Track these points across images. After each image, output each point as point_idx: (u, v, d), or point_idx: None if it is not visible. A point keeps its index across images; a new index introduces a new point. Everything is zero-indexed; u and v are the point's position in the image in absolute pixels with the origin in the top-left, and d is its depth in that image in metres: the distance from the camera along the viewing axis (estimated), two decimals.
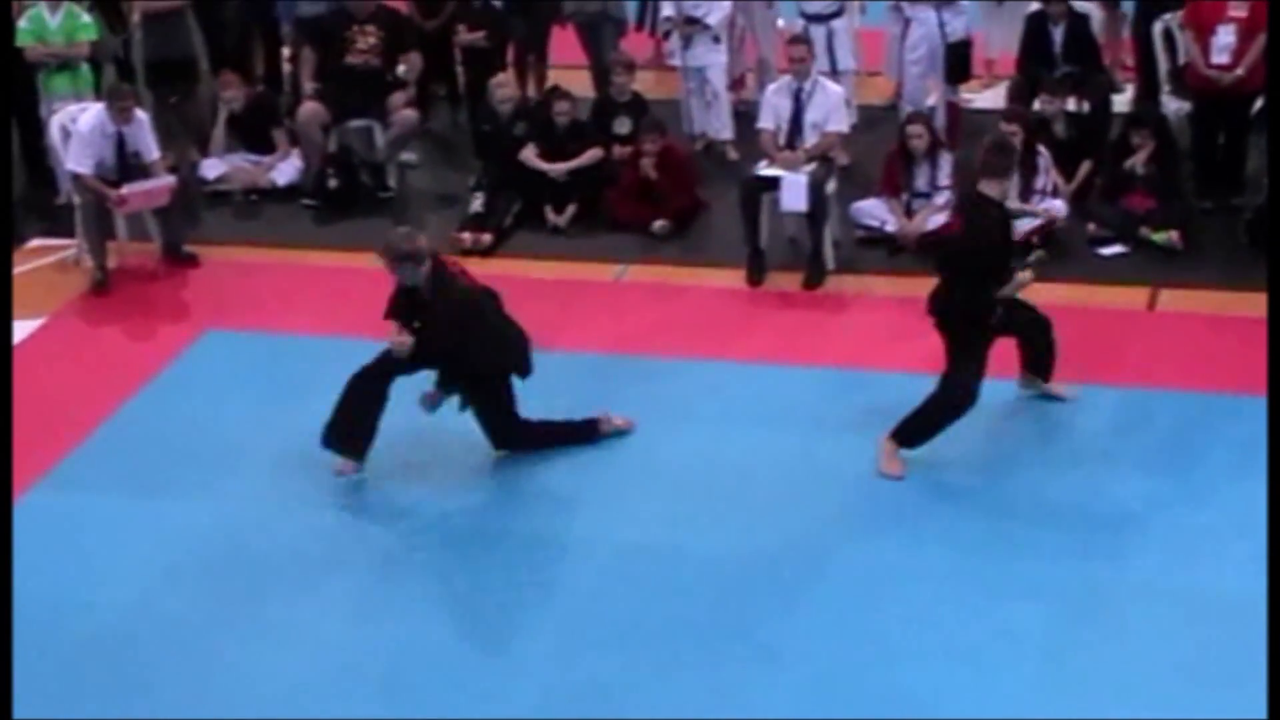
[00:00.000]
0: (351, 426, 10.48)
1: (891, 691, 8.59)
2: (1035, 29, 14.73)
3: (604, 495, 10.43)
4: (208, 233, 14.25)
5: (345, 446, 10.52)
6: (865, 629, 9.07)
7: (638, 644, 9.03)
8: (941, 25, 14.89)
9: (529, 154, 14.31)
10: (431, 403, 10.42)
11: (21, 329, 12.61)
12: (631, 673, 8.81)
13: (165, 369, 12.12)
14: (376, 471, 10.61)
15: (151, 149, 13.62)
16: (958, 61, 14.98)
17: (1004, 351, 10.90)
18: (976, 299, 10.16)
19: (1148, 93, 14.94)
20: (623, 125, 14.64)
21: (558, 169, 14.23)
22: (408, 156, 15.35)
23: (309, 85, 15.24)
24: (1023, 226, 13.10)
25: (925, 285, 12.48)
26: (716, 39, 15.13)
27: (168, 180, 13.67)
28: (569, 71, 15.80)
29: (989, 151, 10.31)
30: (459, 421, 10.57)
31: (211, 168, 15.02)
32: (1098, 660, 8.73)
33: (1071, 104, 14.49)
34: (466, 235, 13.80)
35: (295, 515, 10.24)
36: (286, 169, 15.04)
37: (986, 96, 15.91)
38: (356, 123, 15.02)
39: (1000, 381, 10.99)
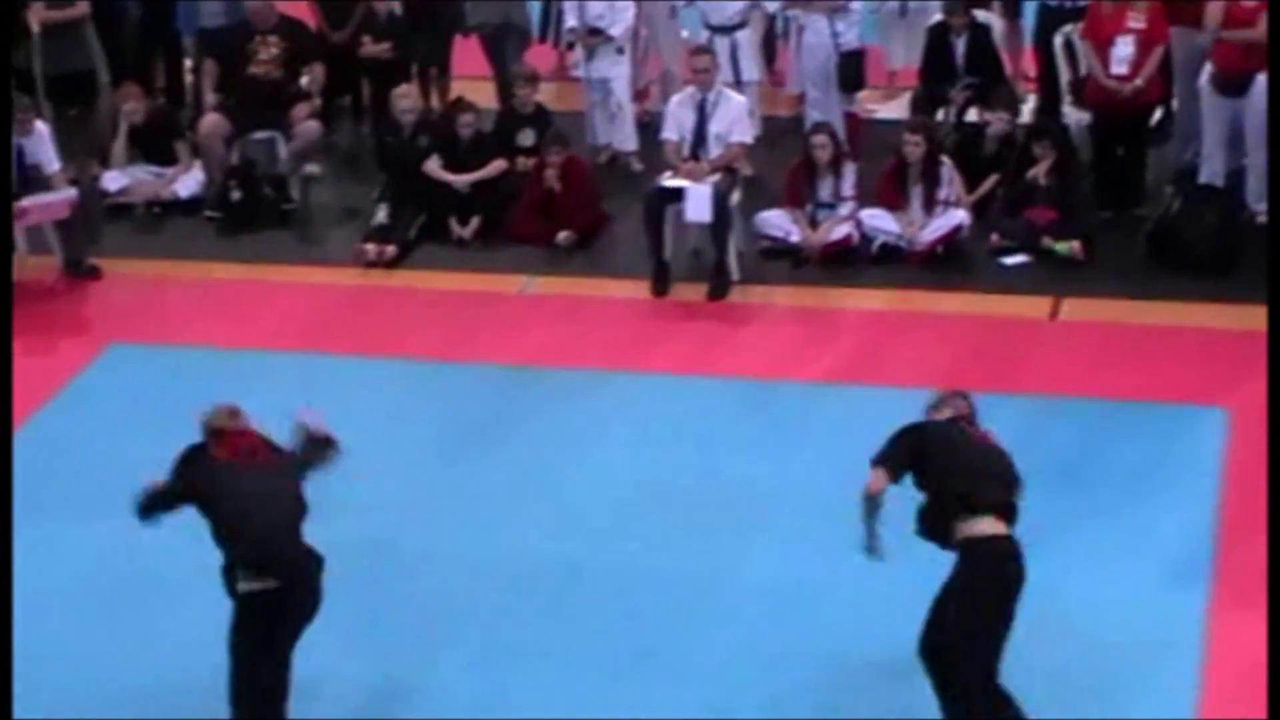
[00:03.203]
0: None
1: (797, 710, 8.61)
2: (937, 40, 14.79)
3: (508, 510, 10.41)
4: (109, 246, 14.11)
5: None
6: (771, 646, 9.09)
7: (543, 662, 9.03)
8: (834, 35, 14.88)
9: (433, 166, 14.26)
10: None
11: None
12: (537, 691, 8.83)
13: (68, 384, 12.02)
14: None
15: (52, 161, 13.51)
16: (851, 71, 14.99)
17: (911, 353, 10.96)
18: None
19: (1049, 104, 15.04)
20: (526, 137, 14.60)
21: (461, 181, 14.19)
22: (311, 169, 15.26)
23: (211, 97, 15.14)
24: (925, 237, 13.23)
25: (829, 296, 12.57)
26: (620, 50, 15.11)
27: (68, 193, 13.54)
28: (473, 83, 15.76)
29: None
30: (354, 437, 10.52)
31: (113, 180, 14.87)
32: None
33: (973, 115, 14.60)
34: (370, 248, 13.76)
35: (199, 536, 10.09)
36: (188, 182, 14.92)
37: (890, 107, 15.96)
38: (259, 135, 14.92)
39: (906, 390, 11.06)
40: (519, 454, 10.93)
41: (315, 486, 10.47)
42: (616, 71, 15.11)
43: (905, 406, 11.01)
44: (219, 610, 9.39)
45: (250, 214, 14.52)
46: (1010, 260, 13.34)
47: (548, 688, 8.84)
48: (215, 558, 9.61)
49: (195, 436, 10.96)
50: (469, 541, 10.11)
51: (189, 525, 10.15)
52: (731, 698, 8.70)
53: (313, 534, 10.05)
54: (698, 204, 13.10)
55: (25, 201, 13.28)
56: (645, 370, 11.96)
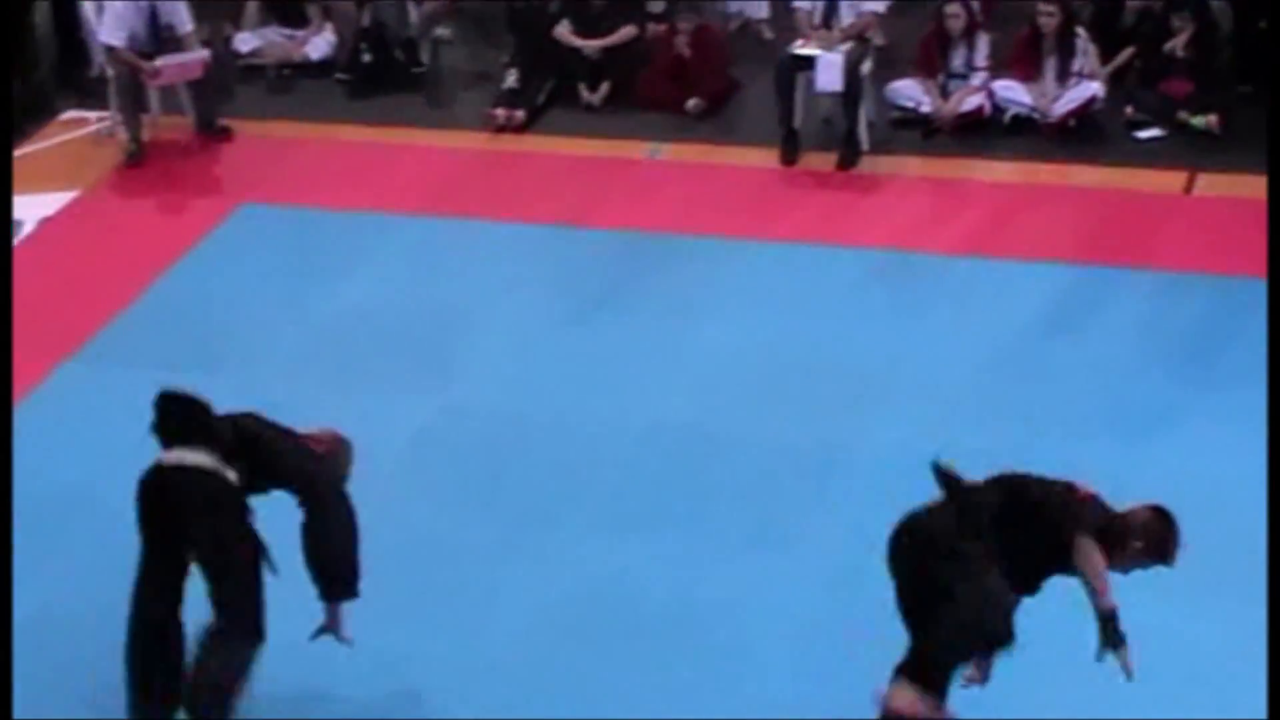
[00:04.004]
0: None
1: None
2: None
3: (632, 377, 10.40)
4: (241, 107, 14.21)
5: None
6: (887, 522, 9.05)
7: (663, 530, 9.04)
8: None
9: (563, 31, 14.22)
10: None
11: (54, 201, 12.64)
12: (655, 560, 8.82)
13: (200, 242, 12.13)
14: (400, 361, 10.57)
15: (185, 22, 13.56)
16: None
17: (1041, 225, 10.84)
18: None
19: None
20: (657, 4, 14.52)
21: (592, 46, 14.14)
22: (441, 32, 15.26)
23: None
24: (1058, 109, 13.07)
25: (960, 167, 12.47)
26: None
27: (201, 54, 13.61)
28: None
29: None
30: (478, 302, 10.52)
31: (245, 41, 14.94)
32: None
33: None
34: (500, 112, 13.75)
35: (325, 394, 10.20)
36: (320, 44, 14.96)
37: None
38: None
39: (1035, 262, 10.95)
40: (644, 320, 10.93)
41: (437, 351, 10.62)
42: None
43: (1034, 279, 11.02)
44: None
45: (380, 77, 14.54)
46: (1145, 133, 13.15)
47: (667, 555, 8.85)
48: (343, 423, 9.69)
49: (322, 295, 11.14)
50: (592, 408, 10.12)
51: (317, 379, 10.32)
52: (852, 569, 8.67)
53: (434, 399, 10.20)
54: (829, 72, 12.98)
55: (159, 62, 13.36)
56: (773, 238, 11.90)
